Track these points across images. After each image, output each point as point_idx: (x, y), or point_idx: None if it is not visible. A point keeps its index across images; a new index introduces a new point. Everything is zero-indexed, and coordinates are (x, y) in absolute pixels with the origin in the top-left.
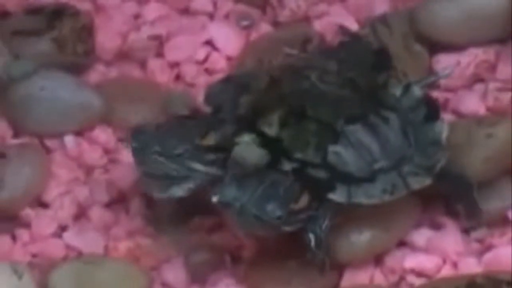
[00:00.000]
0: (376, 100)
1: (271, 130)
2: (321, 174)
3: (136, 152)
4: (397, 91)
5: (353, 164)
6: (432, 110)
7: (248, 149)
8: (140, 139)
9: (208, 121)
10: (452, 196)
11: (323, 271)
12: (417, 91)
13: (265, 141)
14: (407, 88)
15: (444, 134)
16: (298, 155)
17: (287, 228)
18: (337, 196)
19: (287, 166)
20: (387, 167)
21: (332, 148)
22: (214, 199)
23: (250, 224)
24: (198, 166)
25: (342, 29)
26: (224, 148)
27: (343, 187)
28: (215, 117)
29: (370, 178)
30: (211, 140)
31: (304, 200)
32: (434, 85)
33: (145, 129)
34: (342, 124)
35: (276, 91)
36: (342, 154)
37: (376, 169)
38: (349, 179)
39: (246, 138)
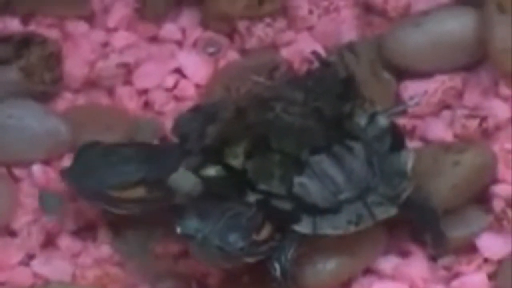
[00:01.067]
0: (341, 130)
1: (237, 162)
2: (286, 205)
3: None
4: (363, 120)
5: (318, 195)
6: (397, 139)
7: (183, 177)
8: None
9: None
10: (418, 225)
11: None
12: (382, 120)
13: (231, 173)
14: (372, 117)
15: (410, 164)
16: (263, 187)
17: (249, 260)
18: (303, 227)
19: (252, 197)
20: (352, 198)
21: (297, 180)
22: (178, 230)
23: (212, 255)
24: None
25: (315, 55)
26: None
27: (308, 219)
28: (181, 147)
29: (335, 209)
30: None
31: (266, 231)
32: (401, 113)
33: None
34: (307, 155)
35: (242, 121)
36: (307, 185)
37: (341, 199)
38: (314, 210)
39: (212, 171)
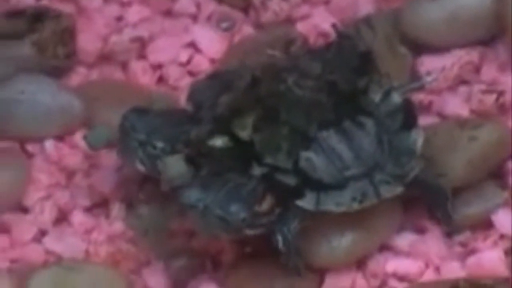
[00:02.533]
0: (354, 105)
1: (244, 133)
2: (290, 180)
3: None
4: (377, 96)
5: (324, 171)
6: (410, 117)
7: (175, 164)
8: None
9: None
10: (429, 203)
11: (299, 274)
12: (396, 97)
13: (238, 145)
14: (387, 94)
15: (419, 143)
16: (269, 160)
17: (249, 232)
18: (305, 203)
19: (257, 170)
20: (358, 175)
21: (303, 154)
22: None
23: (213, 225)
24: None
25: (334, 28)
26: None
27: (312, 194)
28: (194, 115)
29: (341, 185)
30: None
31: (267, 204)
32: (417, 90)
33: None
34: (315, 130)
35: (254, 92)
36: (313, 160)
37: (347, 176)
38: (319, 186)
39: (219, 141)
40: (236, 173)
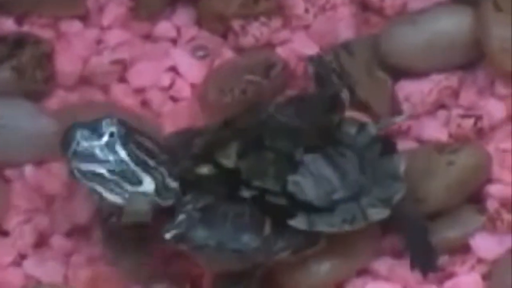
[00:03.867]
0: (332, 138)
1: (229, 161)
2: (280, 200)
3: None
4: (352, 130)
5: (313, 194)
6: (388, 144)
7: (138, 201)
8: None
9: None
10: (405, 238)
11: None
12: (372, 129)
13: (222, 173)
14: (362, 126)
15: (402, 167)
16: (257, 183)
17: (260, 258)
18: (298, 223)
19: (246, 193)
20: (346, 198)
21: (291, 178)
22: (167, 236)
23: (227, 260)
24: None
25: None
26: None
27: (303, 215)
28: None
29: (330, 207)
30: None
31: (268, 226)
32: (389, 127)
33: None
34: (301, 154)
35: (231, 128)
36: (301, 184)
37: (335, 199)
38: (309, 208)
39: (205, 169)
40: (225, 198)
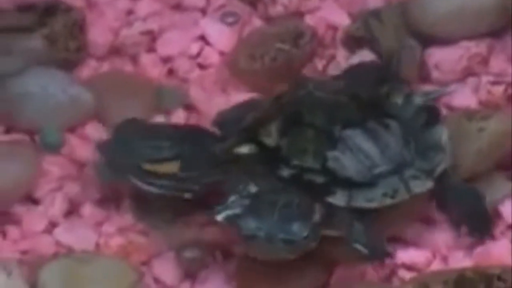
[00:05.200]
0: (378, 109)
1: (270, 140)
2: (319, 178)
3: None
4: (399, 100)
5: (352, 169)
6: (433, 115)
7: None
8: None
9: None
10: (456, 211)
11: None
12: (418, 99)
13: (264, 150)
14: (408, 97)
15: (444, 138)
16: (296, 162)
17: (312, 245)
18: (337, 200)
19: (286, 172)
20: (387, 172)
21: (331, 154)
22: (219, 217)
23: (278, 249)
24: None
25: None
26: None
27: (343, 192)
28: (220, 133)
29: (370, 182)
30: (174, 167)
31: (318, 213)
32: (437, 98)
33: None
34: (340, 130)
35: (277, 104)
36: (340, 159)
37: (376, 173)
38: (349, 184)
39: (245, 148)
40: (264, 178)
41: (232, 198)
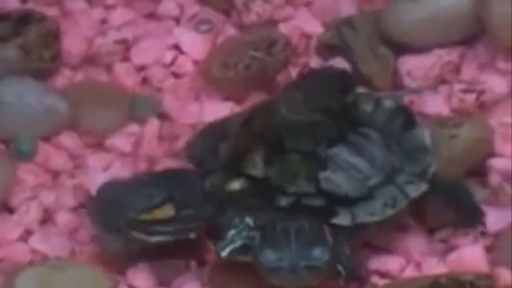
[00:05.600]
0: (350, 120)
1: (257, 171)
2: (319, 202)
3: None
4: (368, 107)
5: (347, 186)
6: (409, 118)
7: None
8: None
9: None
10: (450, 206)
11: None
12: (388, 103)
13: (255, 183)
14: (378, 102)
15: (428, 138)
16: (291, 189)
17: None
18: (341, 220)
19: (283, 201)
20: (381, 182)
21: (322, 175)
22: (224, 254)
23: (303, 277)
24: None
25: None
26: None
27: (344, 210)
28: (199, 169)
29: (368, 196)
30: (169, 210)
31: (329, 235)
32: (403, 98)
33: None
34: (325, 149)
35: (249, 132)
36: (333, 179)
37: (371, 185)
38: (348, 201)
39: (236, 184)
40: (262, 209)
41: (232, 232)
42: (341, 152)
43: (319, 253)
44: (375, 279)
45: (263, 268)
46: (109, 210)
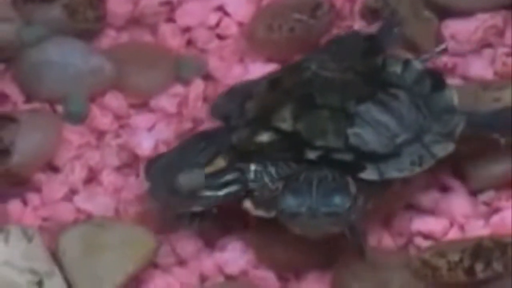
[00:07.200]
0: (380, 80)
1: (286, 125)
2: (347, 156)
3: (152, 190)
4: (397, 68)
5: (375, 142)
6: (437, 79)
7: (191, 176)
8: (153, 176)
9: (217, 140)
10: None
11: (362, 256)
12: (417, 64)
13: (283, 136)
14: (406, 64)
15: (455, 99)
16: (320, 143)
17: (354, 217)
18: (369, 174)
19: (311, 154)
20: (408, 140)
21: (350, 131)
22: (247, 204)
23: (322, 225)
24: (216, 193)
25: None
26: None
27: (372, 166)
28: (226, 126)
29: (395, 152)
30: (220, 162)
31: (353, 186)
32: (429, 60)
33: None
34: (354, 106)
35: (278, 90)
36: (362, 135)
37: (399, 143)
38: (375, 157)
39: (265, 136)
40: (293, 162)
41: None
42: (370, 110)
43: (339, 201)
44: (418, 241)
45: (283, 214)
46: (167, 174)
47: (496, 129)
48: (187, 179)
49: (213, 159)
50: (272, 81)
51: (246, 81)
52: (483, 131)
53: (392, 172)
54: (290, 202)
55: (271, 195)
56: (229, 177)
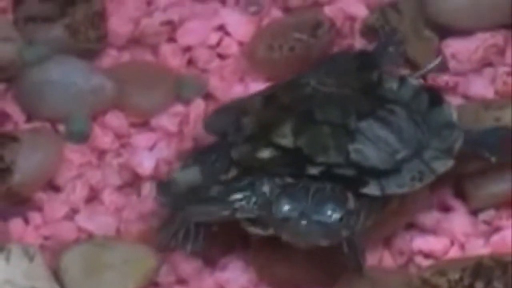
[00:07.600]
0: (377, 96)
1: (287, 141)
2: (349, 172)
3: (171, 207)
4: (394, 85)
5: (376, 158)
6: (434, 95)
7: (187, 173)
8: (169, 194)
9: (225, 151)
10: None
11: (359, 272)
12: (413, 81)
13: (283, 154)
14: (402, 80)
15: (454, 115)
16: (322, 159)
17: (345, 233)
18: (371, 189)
19: (313, 170)
20: (408, 156)
21: (351, 147)
22: (244, 223)
23: (311, 233)
24: (237, 196)
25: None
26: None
27: (374, 181)
28: (224, 142)
29: (396, 168)
30: (233, 171)
31: (351, 201)
32: (423, 76)
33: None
34: (355, 122)
35: (275, 105)
36: (363, 151)
37: (399, 159)
38: (377, 173)
39: (266, 153)
40: (293, 177)
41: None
42: (371, 126)
43: (331, 211)
44: (418, 260)
45: (274, 218)
46: (183, 193)
47: (487, 148)
48: (184, 175)
49: (229, 168)
50: (267, 97)
51: (238, 98)
52: (475, 148)
53: (393, 187)
54: (284, 206)
55: (268, 212)
56: (244, 183)
